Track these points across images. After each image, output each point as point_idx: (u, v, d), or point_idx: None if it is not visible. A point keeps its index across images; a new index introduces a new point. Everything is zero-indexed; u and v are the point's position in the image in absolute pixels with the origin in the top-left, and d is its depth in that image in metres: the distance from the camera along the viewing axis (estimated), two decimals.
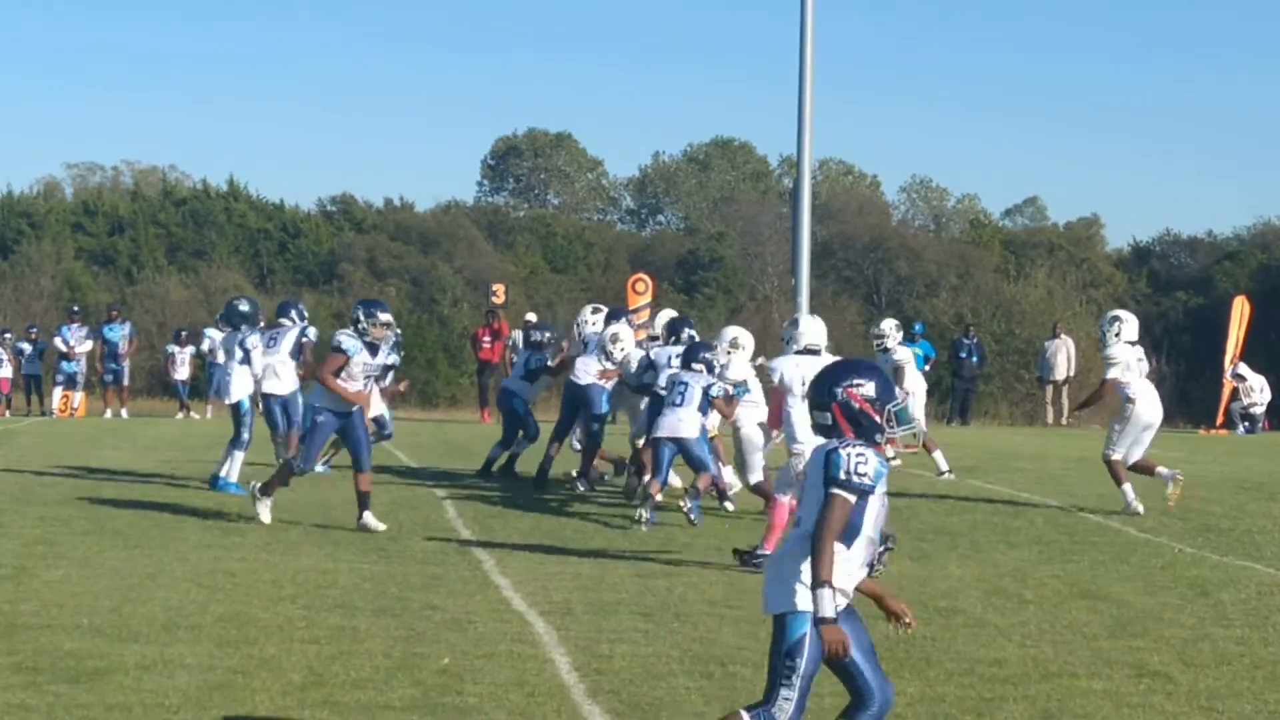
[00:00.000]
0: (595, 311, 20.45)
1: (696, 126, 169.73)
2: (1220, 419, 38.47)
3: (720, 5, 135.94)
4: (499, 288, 39.39)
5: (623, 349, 18.95)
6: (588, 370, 19.29)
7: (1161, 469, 17.81)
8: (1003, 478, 21.64)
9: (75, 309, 41.27)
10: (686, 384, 16.37)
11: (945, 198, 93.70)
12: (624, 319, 19.95)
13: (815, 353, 14.23)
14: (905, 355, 21.92)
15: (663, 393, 17.04)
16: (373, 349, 15.70)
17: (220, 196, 74.61)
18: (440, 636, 10.62)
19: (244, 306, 19.62)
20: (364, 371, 15.67)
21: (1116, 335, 17.74)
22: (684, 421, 16.26)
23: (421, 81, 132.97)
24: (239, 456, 18.83)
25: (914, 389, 21.38)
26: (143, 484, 19.28)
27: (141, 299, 60.61)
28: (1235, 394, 37.80)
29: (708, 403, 16.22)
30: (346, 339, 15.66)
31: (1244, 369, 37.74)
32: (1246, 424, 37.05)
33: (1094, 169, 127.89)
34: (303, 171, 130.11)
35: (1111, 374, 17.60)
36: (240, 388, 18.91)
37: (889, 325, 22.58)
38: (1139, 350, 17.89)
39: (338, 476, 18.85)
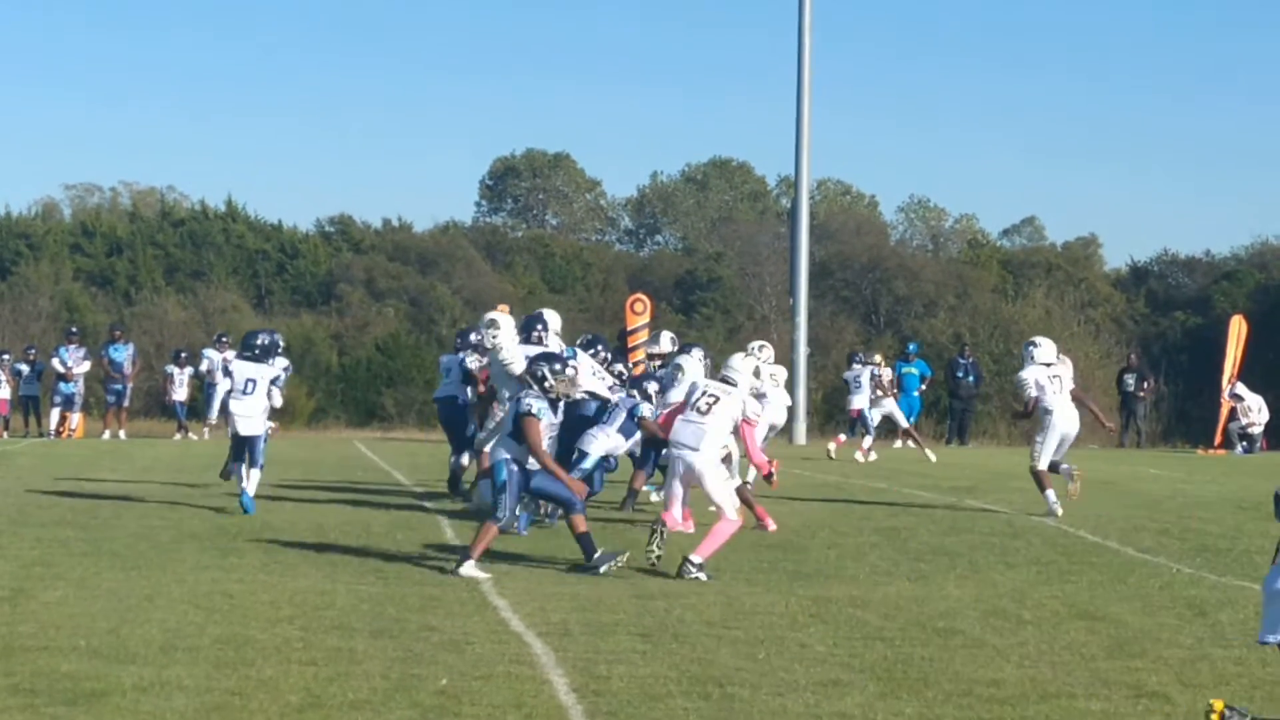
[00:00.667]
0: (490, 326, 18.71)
1: (694, 147, 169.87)
2: (1218, 439, 38.48)
3: (717, 25, 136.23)
4: (504, 308, 39.25)
5: (495, 337, 18.13)
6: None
7: (1063, 465, 19.96)
8: (1001, 498, 21.64)
9: (73, 330, 41.32)
10: (617, 406, 17.98)
11: (943, 218, 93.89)
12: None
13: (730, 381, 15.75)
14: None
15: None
16: (554, 405, 14.86)
17: (218, 217, 74.62)
18: (438, 658, 10.61)
19: (264, 339, 19.55)
20: (550, 430, 14.81)
21: (1031, 359, 19.94)
22: (592, 439, 17.70)
23: (419, 102, 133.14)
24: (257, 475, 18.88)
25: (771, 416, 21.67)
26: (140, 505, 19.27)
27: (139, 320, 60.56)
28: (1233, 414, 37.83)
29: (633, 423, 17.47)
30: (535, 402, 14.62)
31: (1241, 389, 37.76)
32: (1244, 444, 37.06)
33: (1092, 189, 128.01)
34: (301, 192, 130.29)
35: (1029, 394, 19.85)
36: (262, 421, 18.96)
37: (738, 360, 22.92)
38: (1056, 368, 19.90)
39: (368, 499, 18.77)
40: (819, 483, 23.87)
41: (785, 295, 56.52)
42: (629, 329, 36.12)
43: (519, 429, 14.46)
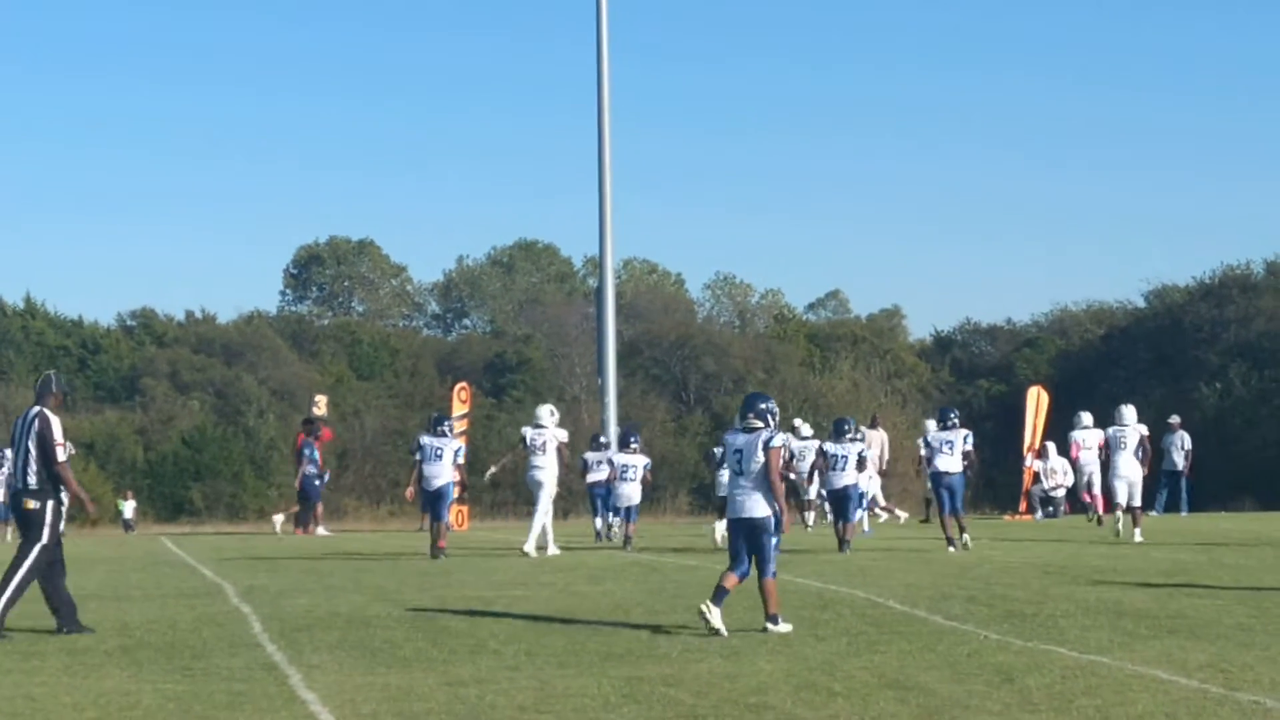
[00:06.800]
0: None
1: (499, 230, 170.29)
2: (1022, 504, 39.11)
3: (519, 108, 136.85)
4: (321, 399, 39.21)
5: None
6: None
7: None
8: (811, 570, 21.78)
9: None
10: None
11: (749, 293, 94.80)
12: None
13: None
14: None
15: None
16: None
17: (17, 315, 73.50)
18: None
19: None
20: None
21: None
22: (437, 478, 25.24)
23: (220, 191, 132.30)
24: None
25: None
26: None
27: None
28: (1036, 477, 38.48)
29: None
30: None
31: (1050, 449, 38.28)
32: (1050, 508, 37.69)
33: (893, 260, 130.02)
34: (101, 286, 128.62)
35: None
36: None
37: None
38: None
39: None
40: (631, 560, 23.87)
41: (595, 375, 56.67)
42: (453, 416, 36.02)
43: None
